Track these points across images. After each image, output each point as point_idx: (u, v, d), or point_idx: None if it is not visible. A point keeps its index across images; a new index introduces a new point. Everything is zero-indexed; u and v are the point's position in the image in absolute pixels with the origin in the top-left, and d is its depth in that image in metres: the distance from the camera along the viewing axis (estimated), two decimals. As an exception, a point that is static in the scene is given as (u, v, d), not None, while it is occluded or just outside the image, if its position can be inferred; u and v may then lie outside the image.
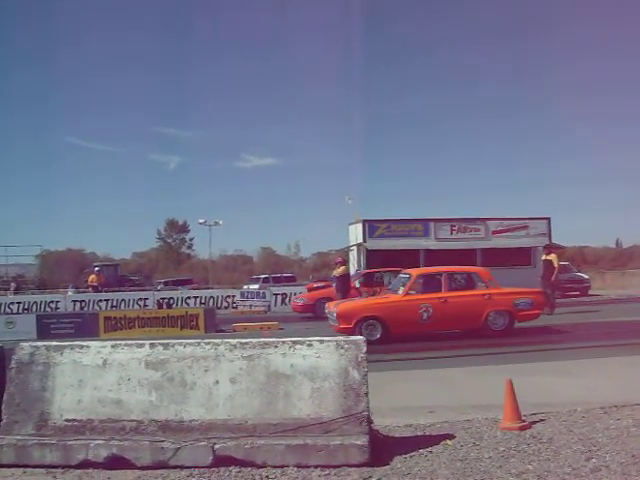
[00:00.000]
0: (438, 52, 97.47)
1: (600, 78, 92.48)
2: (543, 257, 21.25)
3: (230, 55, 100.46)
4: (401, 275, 17.24)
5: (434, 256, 28.28)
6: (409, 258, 26.23)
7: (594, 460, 5.56)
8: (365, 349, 6.00)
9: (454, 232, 30.08)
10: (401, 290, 15.42)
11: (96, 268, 31.87)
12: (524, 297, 15.56)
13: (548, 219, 30.75)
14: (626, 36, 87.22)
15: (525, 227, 30.40)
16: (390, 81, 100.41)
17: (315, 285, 26.48)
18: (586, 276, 34.56)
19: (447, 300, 14.92)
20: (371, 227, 29.62)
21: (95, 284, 29.49)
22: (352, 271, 26.42)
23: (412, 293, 15.24)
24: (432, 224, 30.01)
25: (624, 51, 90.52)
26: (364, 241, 29.38)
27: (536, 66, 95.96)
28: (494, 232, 30.27)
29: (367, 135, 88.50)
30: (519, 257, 23.82)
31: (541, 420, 6.98)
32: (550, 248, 22.14)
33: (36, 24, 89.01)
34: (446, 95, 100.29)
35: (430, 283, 15.63)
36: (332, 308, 15.79)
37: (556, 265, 21.62)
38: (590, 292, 32.50)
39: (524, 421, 6.75)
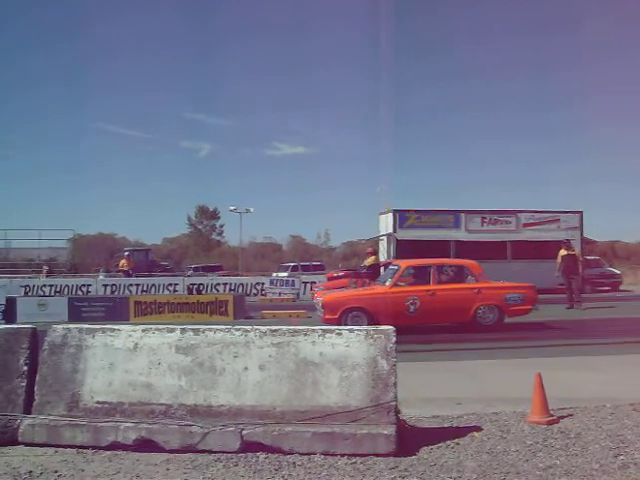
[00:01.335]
0: (471, 43, 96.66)
1: (635, 74, 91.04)
2: (564, 252, 20.98)
3: (262, 42, 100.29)
4: (391, 266, 17.15)
5: (464, 247, 28.22)
6: (439, 249, 26.17)
7: (622, 457, 5.52)
8: (395, 339, 6.00)
9: (485, 224, 29.93)
10: (388, 281, 15.33)
11: (126, 253, 32.14)
12: (515, 292, 15.38)
13: (580, 213, 30.49)
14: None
15: (556, 220, 30.18)
16: (421, 71, 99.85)
17: (335, 274, 26.45)
18: (617, 271, 34.22)
19: (435, 293, 14.82)
20: (401, 217, 29.57)
21: (126, 268, 29.73)
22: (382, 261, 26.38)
23: (400, 285, 15.13)
24: (463, 215, 29.90)
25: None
26: (394, 231, 29.33)
27: (571, 61, 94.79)
28: (525, 225, 30.09)
29: (398, 125, 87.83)
30: (550, 250, 23.59)
31: (569, 415, 6.94)
32: (569, 243, 21.97)
33: (65, 7, 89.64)
34: (478, 87, 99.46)
35: (419, 275, 15.54)
36: (318, 298, 15.76)
37: (580, 259, 21.51)
38: (621, 287, 32.19)
39: (552, 415, 6.71)
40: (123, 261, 30.18)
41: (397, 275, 15.26)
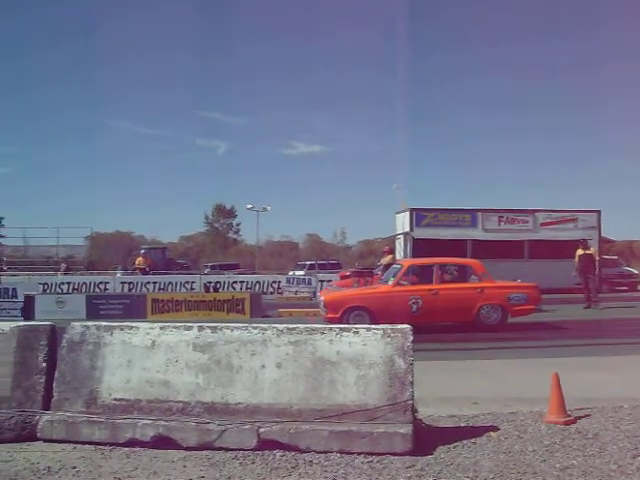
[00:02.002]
0: (488, 41, 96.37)
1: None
2: (581, 252, 20.89)
3: (278, 40, 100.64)
4: (394, 265, 17.12)
5: (481, 247, 28.10)
6: (456, 248, 26.10)
7: (640, 457, 5.50)
8: (412, 338, 6.00)
9: (502, 223, 29.80)
10: (391, 281, 15.33)
11: (142, 251, 32.35)
12: (518, 292, 15.35)
13: (598, 212, 30.29)
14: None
15: (574, 220, 30.00)
16: (438, 69, 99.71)
17: (348, 273, 26.46)
18: (635, 271, 34.00)
19: (438, 292, 14.80)
20: (418, 216, 29.49)
21: (142, 266, 29.97)
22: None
23: (403, 284, 15.10)
24: (480, 214, 29.78)
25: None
26: (411, 230, 29.27)
27: (589, 62, 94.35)
28: (542, 224, 29.94)
29: (414, 122, 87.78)
30: (567, 250, 23.49)
31: (586, 415, 6.91)
32: (587, 242, 21.87)
33: (78, 3, 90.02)
34: (497, 86, 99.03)
35: (421, 274, 15.51)
36: (321, 296, 15.72)
37: (597, 258, 21.41)
38: (639, 287, 31.98)
39: (569, 415, 6.69)
40: (140, 259, 30.40)
41: (400, 274, 15.27)
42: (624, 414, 7.00)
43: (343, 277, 26.35)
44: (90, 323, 6.61)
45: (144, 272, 29.88)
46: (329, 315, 14.66)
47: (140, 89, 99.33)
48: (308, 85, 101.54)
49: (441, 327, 14.90)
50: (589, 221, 29.91)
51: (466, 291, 15.01)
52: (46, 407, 6.16)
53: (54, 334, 6.58)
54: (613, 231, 58.78)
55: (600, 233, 29.96)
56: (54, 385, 6.24)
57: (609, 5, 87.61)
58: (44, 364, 6.33)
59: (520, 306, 15.13)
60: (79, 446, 5.92)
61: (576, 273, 21.00)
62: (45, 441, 6.03)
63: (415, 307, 14.59)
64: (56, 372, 6.30)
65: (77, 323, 6.59)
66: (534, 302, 15.52)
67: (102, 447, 5.89)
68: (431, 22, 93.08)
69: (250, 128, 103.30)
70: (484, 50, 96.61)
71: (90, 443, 5.94)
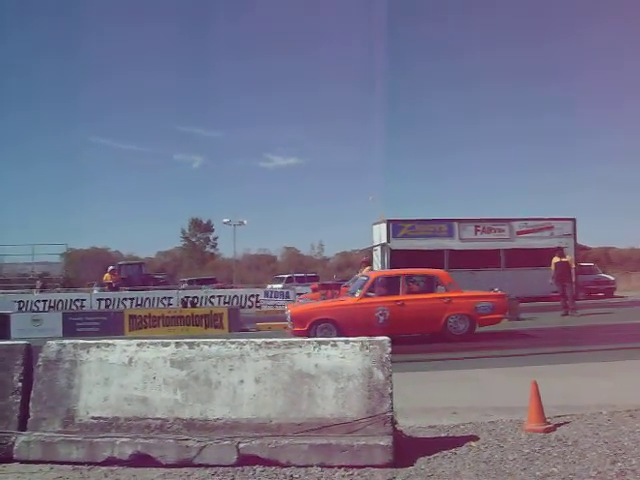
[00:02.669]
0: (460, 53, 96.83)
1: (627, 82, 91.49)
2: (557, 260, 21.06)
3: (254, 55, 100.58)
4: (360, 277, 17.11)
5: (458, 256, 28.32)
6: (433, 258, 26.19)
7: (620, 464, 5.51)
8: (390, 349, 5.99)
9: (478, 232, 29.97)
10: (358, 293, 15.25)
11: (110, 267, 32.31)
12: (485, 301, 15.34)
13: (573, 220, 30.54)
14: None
15: (550, 228, 30.23)
16: (412, 82, 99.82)
17: (319, 286, 26.48)
18: (611, 277, 34.33)
19: (405, 303, 14.74)
20: (395, 227, 29.59)
21: (110, 282, 29.90)
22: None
23: (370, 296, 15.04)
24: (456, 224, 29.93)
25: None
26: (388, 241, 29.34)
27: (563, 68, 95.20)
28: (519, 233, 30.13)
29: (390, 135, 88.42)
30: (544, 258, 23.65)
31: (565, 422, 6.94)
32: (563, 250, 22.05)
33: (59, 22, 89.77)
34: (471, 96, 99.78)
35: (388, 286, 15.46)
36: (288, 310, 15.70)
37: (574, 266, 21.60)
38: (615, 293, 32.26)
39: (549, 423, 6.71)
40: (107, 275, 30.43)
41: (366, 286, 15.19)
42: (603, 420, 7.04)
43: (315, 290, 26.38)
44: (66, 341, 6.55)
45: (112, 288, 29.83)
46: (296, 329, 14.55)
47: (116, 105, 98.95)
48: (284, 98, 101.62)
49: (416, 338, 14.89)
50: (565, 229, 30.13)
51: (433, 301, 14.99)
52: (22, 427, 6.09)
53: (30, 353, 6.51)
54: (589, 238, 59.34)
55: (576, 240, 30.19)
56: (30, 405, 6.17)
57: (589, 12, 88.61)
58: (20, 384, 6.26)
59: (487, 315, 15.14)
60: (57, 466, 5.86)
61: (553, 281, 21.14)
62: (22, 462, 5.95)
63: (382, 318, 14.53)
64: (32, 391, 6.23)
65: (53, 342, 6.52)
66: (501, 311, 15.59)
67: (80, 467, 5.83)
68: (407, 36, 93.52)
69: (226, 142, 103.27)
70: (456, 63, 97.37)
71: (68, 463, 5.87)
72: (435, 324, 14.83)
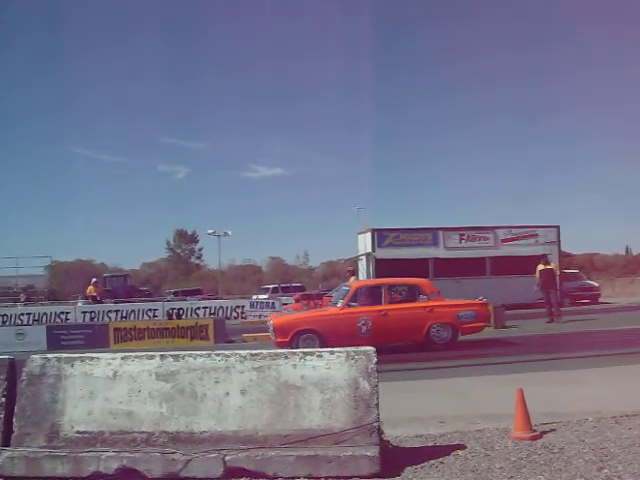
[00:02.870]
0: (445, 62, 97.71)
1: (612, 87, 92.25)
2: (542, 267, 21.16)
3: (240, 65, 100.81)
4: (342, 287, 17.12)
5: (443, 265, 28.43)
6: (418, 267, 26.26)
7: (606, 470, 5.52)
8: (375, 360, 5.98)
9: (463, 241, 30.09)
10: (340, 303, 15.24)
11: (93, 279, 32.18)
12: (467, 309, 15.36)
13: (557, 227, 30.73)
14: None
15: (534, 235, 30.39)
16: (399, 91, 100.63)
17: (301, 296, 26.50)
18: (596, 284, 34.49)
19: (387, 313, 14.76)
20: (380, 236, 29.66)
21: (94, 294, 29.77)
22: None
23: (352, 305, 15.03)
24: (441, 233, 30.04)
25: (636, 60, 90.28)
26: (373, 250, 29.40)
27: (544, 74, 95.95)
28: (503, 240, 30.27)
29: (375, 145, 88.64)
30: (528, 265, 23.77)
31: (552, 430, 6.95)
32: (547, 257, 22.15)
33: (44, 35, 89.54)
34: (454, 104, 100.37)
35: (370, 295, 15.47)
36: (270, 321, 15.66)
37: (558, 273, 21.72)
38: (600, 300, 32.40)
39: (535, 431, 6.72)
40: (91, 287, 30.30)
41: (348, 296, 15.17)
42: (589, 427, 7.06)
43: (297, 300, 26.38)
44: (50, 355, 6.49)
45: (96, 300, 29.69)
46: (278, 340, 14.50)
47: (102, 117, 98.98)
48: (269, 109, 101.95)
49: (400, 347, 14.89)
50: (549, 236, 30.30)
51: (415, 311, 15.00)
52: (6, 443, 6.02)
53: (13, 368, 6.45)
54: (573, 244, 59.61)
55: (560, 248, 30.37)
56: (14, 420, 6.10)
57: (567, 19, 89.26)
58: (3, 399, 6.19)
59: (470, 324, 15.17)
60: (41, 482, 5.80)
61: (538, 288, 21.23)
62: (6, 478, 5.88)
63: (365, 328, 14.52)
64: (16, 407, 6.16)
65: (37, 356, 6.46)
66: (484, 319, 15.65)
67: (65, 482, 5.78)
68: (391, 47, 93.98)
69: (211, 152, 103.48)
70: (443, 72, 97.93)
71: (53, 478, 5.80)
72: (418, 333, 14.84)
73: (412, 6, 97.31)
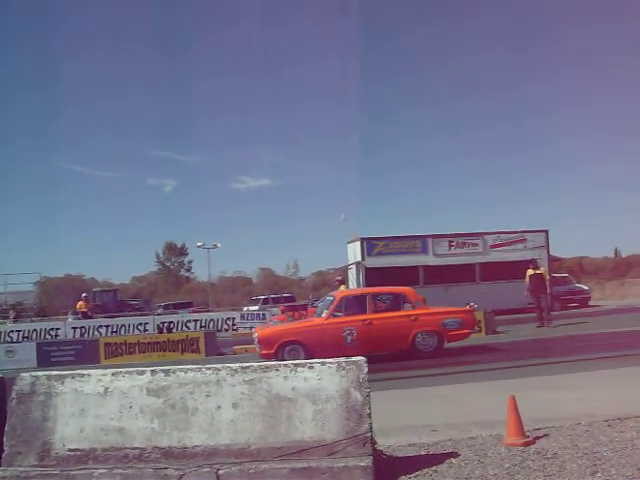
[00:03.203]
0: (432, 67, 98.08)
1: (596, 86, 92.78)
2: (531, 272, 21.19)
3: (226, 77, 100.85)
4: (327, 297, 17.11)
5: (433, 272, 28.50)
6: (408, 275, 26.32)
7: (599, 474, 5.53)
8: (366, 370, 5.98)
9: (452, 247, 30.18)
10: (324, 313, 15.25)
11: (83, 294, 32.05)
12: (453, 317, 15.33)
13: (546, 231, 30.86)
14: (626, 43, 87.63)
15: (523, 240, 30.50)
16: (385, 99, 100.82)
17: (285, 307, 26.53)
18: (586, 287, 34.61)
19: (372, 322, 14.73)
20: (369, 245, 29.70)
21: (84, 310, 29.65)
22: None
23: (337, 316, 15.01)
24: (430, 240, 30.10)
25: (620, 61, 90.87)
26: (363, 259, 29.43)
27: (531, 76, 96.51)
28: (492, 246, 30.37)
29: (363, 153, 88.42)
30: (517, 270, 23.84)
31: (545, 435, 6.95)
32: (536, 262, 22.20)
33: (35, 50, 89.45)
34: (440, 110, 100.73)
35: (355, 305, 15.42)
36: (255, 333, 15.63)
37: (548, 278, 21.79)
38: (590, 303, 32.49)
39: (528, 437, 6.72)
40: (81, 303, 30.15)
41: (332, 306, 15.14)
42: (582, 431, 7.06)
43: (284, 311, 26.36)
44: (40, 373, 6.46)
45: (86, 316, 29.55)
46: (263, 352, 14.46)
47: (90, 132, 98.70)
48: (255, 120, 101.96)
49: (389, 357, 14.87)
50: (537, 241, 30.41)
51: (400, 319, 14.95)
52: (-3, 463, 5.99)
53: (3, 386, 6.43)
54: (562, 248, 59.77)
55: (549, 252, 30.47)
56: (4, 439, 6.06)
57: (557, 20, 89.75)
58: (-7, 418, 6.17)
59: (456, 331, 15.13)
60: (33, 501, 5.76)
61: (527, 293, 21.27)
62: (-3, 498, 5.86)
63: (350, 338, 14.49)
64: (6, 425, 6.12)
65: (26, 374, 6.43)
66: (469, 326, 15.56)
67: (57, 500, 5.74)
68: (377, 55, 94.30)
69: (198, 165, 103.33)
70: (430, 77, 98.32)
71: (45, 497, 5.78)
72: (403, 342, 14.82)
73: (398, 13, 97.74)
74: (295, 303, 28.16)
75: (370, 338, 14.41)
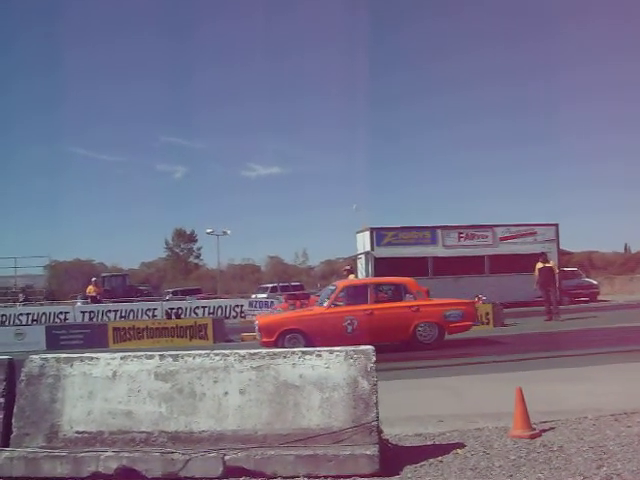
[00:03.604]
0: (442, 58, 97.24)
1: (610, 82, 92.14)
2: (541, 265, 21.13)
3: (235, 64, 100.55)
4: (328, 287, 17.11)
5: (442, 263, 28.48)
6: (417, 266, 26.34)
7: (605, 468, 5.52)
8: (374, 359, 5.99)
9: (462, 239, 30.13)
10: (326, 302, 15.25)
11: (93, 278, 32.17)
12: (454, 308, 15.33)
13: (556, 225, 30.76)
14: (633, 40, 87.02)
15: (533, 233, 30.42)
16: (396, 88, 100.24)
17: (287, 296, 26.56)
18: (595, 282, 34.52)
19: (373, 312, 14.73)
20: (379, 235, 29.67)
21: (93, 294, 29.72)
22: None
23: (338, 305, 15.05)
24: (440, 231, 30.06)
25: (630, 55, 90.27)
26: (372, 249, 29.42)
27: (542, 70, 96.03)
28: (502, 238, 30.30)
29: (373, 143, 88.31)
30: (527, 264, 23.77)
31: (551, 428, 6.94)
32: (546, 255, 22.13)
33: (41, 34, 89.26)
34: (452, 101, 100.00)
35: (356, 295, 15.47)
36: (256, 321, 15.69)
37: (557, 271, 21.76)
38: (599, 298, 32.42)
39: (534, 429, 6.72)
40: (91, 287, 30.26)
41: (334, 296, 15.17)
42: (588, 425, 7.06)
43: (287, 299, 26.38)
44: (49, 355, 6.49)
45: (95, 300, 29.62)
46: (264, 339, 14.51)
47: (100, 117, 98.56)
48: (266, 107, 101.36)
49: (397, 347, 14.87)
50: (547, 234, 30.32)
51: (401, 310, 14.97)
52: (5, 444, 6.02)
53: (12, 368, 6.45)
54: (572, 242, 59.61)
55: (559, 246, 30.38)
56: (13, 420, 6.10)
57: (558, 16, 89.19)
58: (2, 399, 6.18)
59: (457, 323, 15.12)
60: (40, 482, 5.80)
61: (536, 286, 21.23)
62: (4, 479, 5.88)
63: (350, 328, 14.50)
64: (15, 407, 6.16)
65: (36, 356, 6.46)
66: (470, 319, 15.53)
67: (64, 482, 5.78)
68: (389, 42, 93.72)
69: (209, 151, 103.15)
70: (440, 68, 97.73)
71: (52, 479, 5.80)
72: (404, 333, 14.82)
73: (407, 2, 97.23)
74: (298, 292, 28.11)
75: (371, 328, 14.35)
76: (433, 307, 15.19)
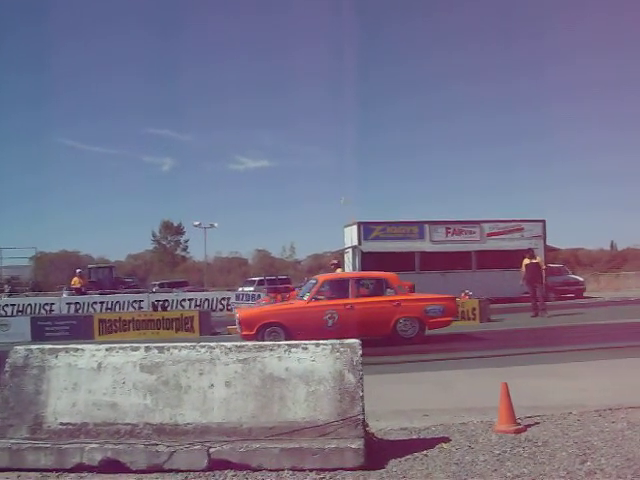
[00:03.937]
0: (431, 54, 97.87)
1: (595, 79, 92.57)
2: (527, 261, 21.19)
3: (224, 57, 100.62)
4: (310, 280, 17.13)
5: (429, 258, 28.48)
6: (404, 260, 26.38)
7: (589, 463, 5.55)
8: (361, 352, 5.99)
9: (449, 234, 30.15)
10: (306, 296, 15.28)
11: (78, 270, 32.01)
12: (435, 304, 15.33)
13: (543, 221, 30.83)
14: (622, 37, 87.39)
15: (520, 229, 30.48)
16: (384, 83, 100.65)
17: (268, 289, 26.56)
18: (581, 278, 34.66)
19: (353, 306, 14.72)
20: (366, 229, 29.66)
21: (78, 286, 29.59)
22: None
23: (319, 299, 15.06)
24: (427, 226, 30.07)
25: (618, 53, 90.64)
26: (359, 243, 29.40)
27: (529, 67, 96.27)
28: (489, 234, 30.36)
29: (361, 137, 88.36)
30: (514, 260, 23.85)
31: (536, 423, 6.97)
32: (533, 252, 22.18)
33: (29, 27, 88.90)
34: (440, 97, 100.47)
35: (337, 289, 15.48)
36: (237, 314, 15.67)
37: (544, 267, 21.84)
38: (585, 294, 32.57)
39: (519, 424, 6.74)
40: (75, 279, 30.07)
41: (314, 289, 15.18)
42: (572, 420, 7.09)
43: (269, 293, 26.38)
44: (34, 346, 6.46)
45: (80, 292, 29.51)
46: (244, 333, 14.47)
47: (87, 108, 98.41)
48: (255, 101, 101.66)
49: (376, 341, 14.86)
50: (534, 230, 30.40)
51: (382, 304, 14.96)
52: (-11, 435, 5.99)
53: (-4, 359, 6.42)
54: (559, 239, 59.84)
55: (545, 242, 30.46)
56: (-3, 411, 6.07)
57: (547, 13, 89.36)
58: (-14, 390, 6.16)
59: (437, 318, 15.12)
60: (24, 474, 5.75)
61: (523, 282, 21.30)
62: (-12, 470, 5.86)
63: (331, 322, 14.50)
64: (-1, 398, 6.14)
65: (20, 347, 6.43)
66: (451, 314, 15.53)
67: (48, 474, 5.73)
68: (377, 38, 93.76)
69: (197, 144, 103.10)
70: (429, 63, 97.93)
71: (36, 470, 5.77)
72: (384, 327, 14.80)
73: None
74: (281, 286, 28.07)
75: (351, 322, 14.31)
76: (414, 302, 15.20)
